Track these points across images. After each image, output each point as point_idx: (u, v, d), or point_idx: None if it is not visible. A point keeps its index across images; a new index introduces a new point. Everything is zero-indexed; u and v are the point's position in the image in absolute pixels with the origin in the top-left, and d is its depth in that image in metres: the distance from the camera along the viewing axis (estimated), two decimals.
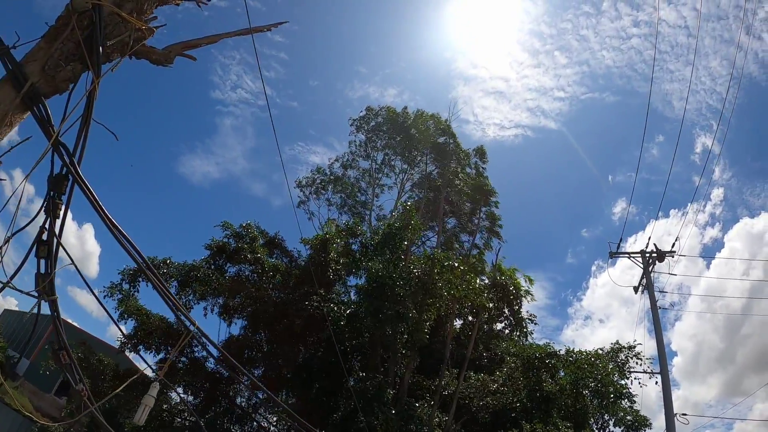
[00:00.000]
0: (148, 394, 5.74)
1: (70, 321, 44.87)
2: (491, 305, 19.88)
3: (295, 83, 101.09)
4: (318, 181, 35.01)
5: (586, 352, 20.13)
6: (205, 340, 6.13)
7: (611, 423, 19.98)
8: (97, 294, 5.37)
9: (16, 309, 56.52)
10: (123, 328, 20.17)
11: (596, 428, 20.23)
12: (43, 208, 4.34)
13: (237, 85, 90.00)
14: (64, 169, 4.27)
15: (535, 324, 21.04)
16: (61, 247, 4.55)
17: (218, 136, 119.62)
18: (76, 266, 4.83)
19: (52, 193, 4.36)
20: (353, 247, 20.01)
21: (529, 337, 20.71)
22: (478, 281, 18.89)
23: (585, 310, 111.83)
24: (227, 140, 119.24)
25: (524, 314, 20.74)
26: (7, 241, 4.64)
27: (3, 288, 4.50)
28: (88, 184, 4.54)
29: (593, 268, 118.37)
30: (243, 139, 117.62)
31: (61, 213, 4.41)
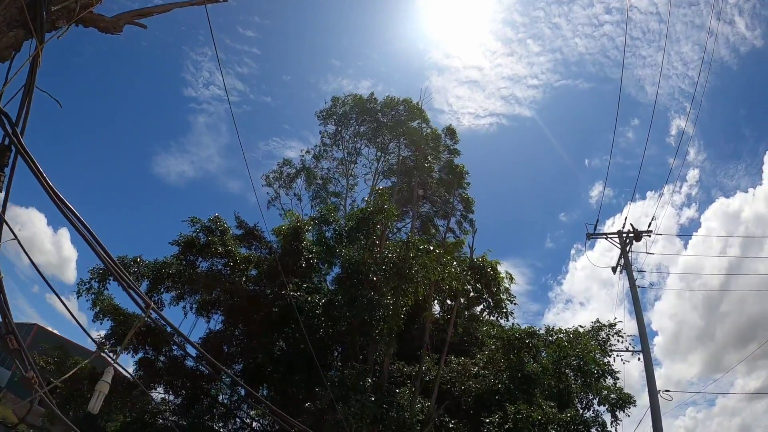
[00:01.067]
0: (102, 380, 5.38)
1: (50, 329, 44.42)
2: (469, 287, 19.86)
3: (268, 78, 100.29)
4: (285, 174, 34.62)
5: (566, 330, 20.22)
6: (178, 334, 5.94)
7: (595, 402, 20.08)
8: (58, 291, 5.13)
9: None
10: (98, 331, 19.81)
11: (580, 407, 20.32)
12: None
13: (210, 81, 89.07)
14: (6, 139, 4.05)
15: (515, 304, 21.03)
16: (5, 225, 4.25)
17: (192, 134, 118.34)
18: (20, 242, 4.47)
19: None
20: (327, 234, 19.75)
21: (510, 318, 20.68)
22: (455, 264, 18.77)
23: (565, 294, 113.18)
24: (201, 138, 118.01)
25: (503, 296, 20.66)
26: None
27: None
28: (33, 156, 4.29)
29: (572, 251, 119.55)
30: (217, 137, 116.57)
31: (3, 186, 4.15)
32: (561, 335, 19.95)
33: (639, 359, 19.79)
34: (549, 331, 20.20)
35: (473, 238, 20.74)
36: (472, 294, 20.43)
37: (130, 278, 5.55)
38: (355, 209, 19.94)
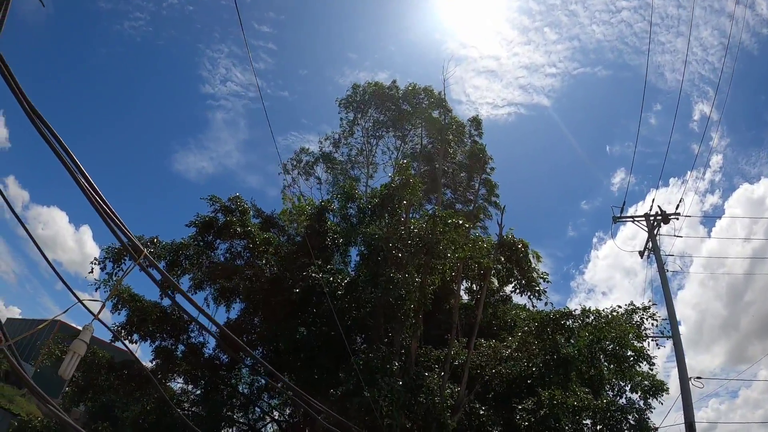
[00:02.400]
0: (78, 339, 4.66)
1: (72, 325, 44.28)
2: (499, 266, 18.87)
3: (285, 73, 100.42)
4: (304, 161, 34.04)
5: (603, 311, 19.20)
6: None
7: (627, 388, 19.07)
8: (81, 288, 4.35)
9: (20, 317, 56.17)
10: (115, 322, 19.19)
11: (612, 394, 19.35)
12: None
13: (227, 78, 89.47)
14: None
15: (548, 282, 19.94)
16: None
17: (211, 130, 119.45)
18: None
19: None
20: (350, 212, 18.96)
21: (542, 297, 19.60)
22: (484, 240, 17.78)
23: (587, 284, 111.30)
24: (220, 134, 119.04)
25: (534, 274, 19.62)
26: None
27: None
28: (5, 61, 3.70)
29: (594, 240, 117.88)
30: (236, 132, 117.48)
31: None
32: (598, 317, 18.92)
33: (664, 346, 18.98)
34: (585, 312, 19.17)
35: (502, 215, 19.73)
36: (502, 272, 19.40)
37: (118, 217, 4.74)
38: (377, 189, 19.07)
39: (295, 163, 33.96)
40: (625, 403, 18.71)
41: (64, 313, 4.98)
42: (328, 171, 33.49)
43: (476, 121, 32.54)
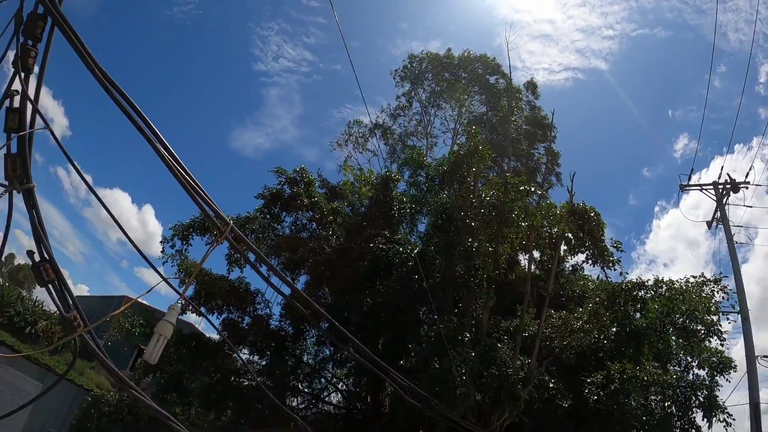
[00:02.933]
0: (164, 320, 4.39)
1: (139, 300, 45.32)
2: (570, 235, 18.19)
3: (337, 46, 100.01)
4: (358, 134, 33.73)
5: (676, 281, 18.36)
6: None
7: (695, 365, 18.24)
8: (147, 256, 4.12)
9: (88, 294, 58.50)
10: (180, 288, 19.35)
11: (678, 370, 18.58)
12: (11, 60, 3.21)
13: (278, 54, 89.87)
14: (40, 6, 3.23)
15: (622, 251, 19.13)
16: (38, 116, 3.31)
17: (265, 107, 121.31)
18: (53, 134, 3.49)
19: (23, 38, 3.22)
20: (419, 179, 18.59)
21: (616, 267, 18.86)
22: (556, 208, 17.14)
23: (648, 255, 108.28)
24: (275, 110, 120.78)
25: (607, 243, 18.87)
26: None
27: None
28: (73, 27, 3.39)
29: (656, 209, 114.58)
30: (290, 107, 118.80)
31: (36, 67, 3.31)
32: (670, 288, 18.09)
33: (732, 321, 18.17)
34: (657, 282, 18.36)
35: (572, 182, 18.92)
36: (573, 242, 18.71)
37: (203, 188, 4.46)
38: (445, 157, 18.61)
39: (347, 137, 33.73)
40: (693, 379, 17.96)
41: (147, 292, 4.81)
42: (386, 143, 33.10)
43: (532, 85, 31.81)
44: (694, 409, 16.67)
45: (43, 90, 3.32)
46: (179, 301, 4.77)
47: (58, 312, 3.66)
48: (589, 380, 16.53)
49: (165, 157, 4.03)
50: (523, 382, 15.26)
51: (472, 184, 16.65)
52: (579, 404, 16.47)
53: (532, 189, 16.60)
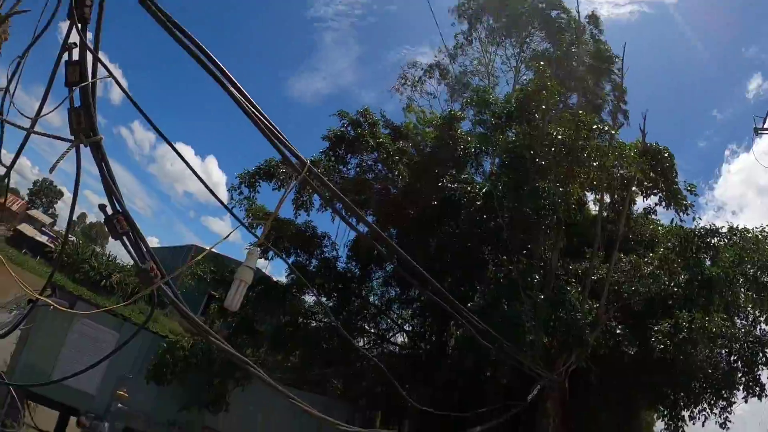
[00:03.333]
0: (244, 265, 4.26)
1: (206, 247, 46.60)
2: (641, 177, 17.51)
3: None
4: (414, 76, 32.97)
5: (751, 230, 17.58)
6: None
7: (762, 320, 17.53)
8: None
9: (158, 245, 60.75)
10: (245, 240, 19.83)
11: (746, 323, 17.92)
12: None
13: None
14: None
15: (696, 195, 18.35)
16: (99, 65, 3.18)
17: (321, 52, 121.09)
18: (116, 81, 3.44)
19: None
20: (484, 118, 18.14)
21: (689, 211, 18.13)
22: (629, 148, 16.45)
23: (717, 201, 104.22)
24: (330, 55, 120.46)
25: (681, 185, 18.11)
26: (20, 63, 3.36)
27: (28, 134, 3.31)
28: None
29: (726, 153, 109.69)
30: (346, 51, 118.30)
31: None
32: (745, 236, 17.34)
33: None
34: (732, 230, 17.62)
35: (644, 120, 18.11)
36: (645, 183, 18.04)
37: (278, 129, 4.40)
38: (511, 93, 17.99)
39: (404, 80, 33.03)
40: (760, 334, 17.34)
41: (225, 238, 4.88)
42: (445, 83, 32.35)
43: (594, 18, 30.20)
44: (759, 366, 16.28)
45: (101, 54, 3.26)
46: (256, 245, 4.81)
47: (132, 264, 3.68)
48: (656, 328, 16.12)
49: (238, 99, 3.95)
50: (590, 327, 15.02)
51: (541, 122, 16.12)
52: (645, 352, 16.10)
53: (606, 128, 15.96)
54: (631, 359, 16.41)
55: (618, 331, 16.28)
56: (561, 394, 16.09)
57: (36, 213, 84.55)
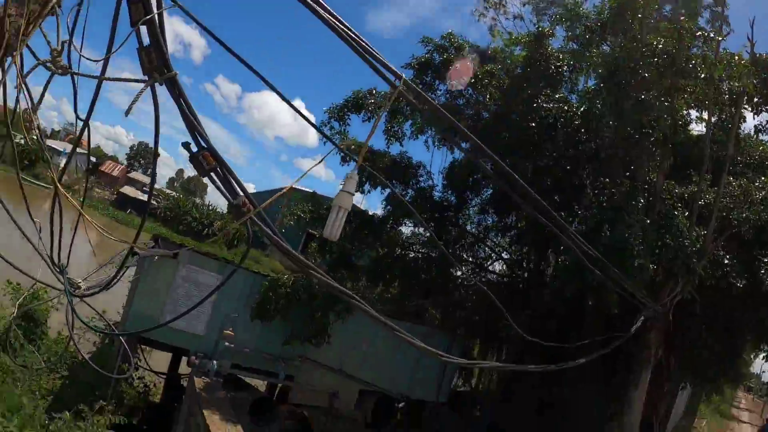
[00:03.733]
0: (342, 190, 4.14)
1: (302, 188, 47.48)
2: (753, 91, 16.25)
3: None
4: None
5: None
6: None
7: None
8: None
9: (254, 191, 63.21)
10: (340, 167, 20.02)
11: None
12: None
13: None
14: None
15: None
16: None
17: None
18: (184, 9, 3.16)
19: None
20: (577, 32, 17.31)
21: None
22: (737, 58, 15.28)
23: None
24: None
25: None
26: (78, 11, 3.13)
27: (100, 82, 3.20)
28: None
29: None
30: None
31: None
32: None
33: None
34: None
35: (752, 28, 16.46)
36: (756, 98, 16.78)
37: (371, 45, 4.33)
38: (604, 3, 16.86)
39: (486, 2, 31.71)
40: None
41: (321, 161, 4.82)
42: (531, 3, 30.95)
43: None
44: None
45: (176, 18, 3.02)
46: (355, 169, 4.56)
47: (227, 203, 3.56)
48: (766, 260, 15.32)
49: (327, 20, 3.90)
50: (698, 255, 14.10)
51: (639, 32, 15.22)
52: (753, 285, 15.19)
53: (712, 35, 14.88)
54: (738, 292, 15.38)
55: (726, 261, 15.42)
56: (665, 325, 15.72)
57: (136, 174, 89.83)
